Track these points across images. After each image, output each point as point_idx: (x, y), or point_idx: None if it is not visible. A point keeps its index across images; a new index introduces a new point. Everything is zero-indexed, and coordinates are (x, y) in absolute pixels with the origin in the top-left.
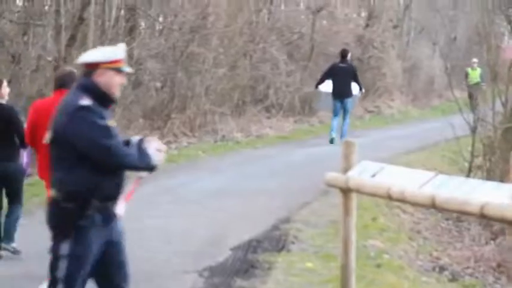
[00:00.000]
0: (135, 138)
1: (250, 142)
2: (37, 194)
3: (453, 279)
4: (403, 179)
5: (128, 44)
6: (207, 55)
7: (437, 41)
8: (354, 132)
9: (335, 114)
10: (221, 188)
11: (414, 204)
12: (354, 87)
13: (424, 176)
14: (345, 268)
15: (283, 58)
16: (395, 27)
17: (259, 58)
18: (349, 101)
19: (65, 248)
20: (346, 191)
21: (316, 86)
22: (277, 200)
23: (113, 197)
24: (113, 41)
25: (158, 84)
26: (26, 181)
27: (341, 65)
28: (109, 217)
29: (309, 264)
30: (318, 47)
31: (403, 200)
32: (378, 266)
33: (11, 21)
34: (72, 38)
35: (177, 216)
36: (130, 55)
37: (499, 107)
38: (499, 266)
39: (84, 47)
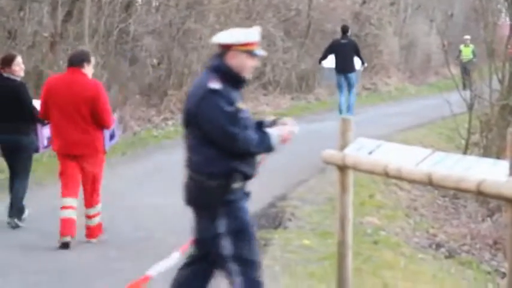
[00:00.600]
0: (268, 120)
1: None
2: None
3: (449, 256)
4: (400, 156)
5: (124, 20)
6: (203, 32)
7: (434, 18)
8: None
9: (340, 90)
10: None
11: (411, 181)
12: (356, 62)
13: (421, 153)
14: (341, 245)
15: (280, 35)
16: (392, 4)
17: None
18: (352, 76)
19: (222, 225)
20: (342, 168)
21: (320, 62)
22: (274, 177)
23: (251, 176)
24: (109, 17)
25: (155, 61)
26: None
27: (342, 41)
28: (247, 195)
29: (306, 241)
30: (314, 23)
31: (400, 177)
32: (375, 242)
33: None
34: (68, 14)
35: (173, 194)
36: (126, 31)
37: (495, 84)
38: (495, 243)
39: (80, 23)
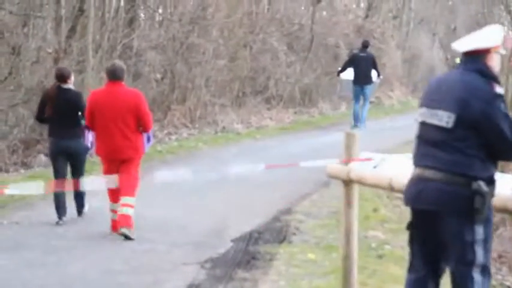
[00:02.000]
0: None
1: (251, 133)
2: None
3: None
4: (405, 170)
5: (128, 35)
6: (207, 46)
7: (437, 32)
8: None
9: (357, 100)
10: (221, 179)
11: None
12: (373, 75)
13: None
14: (346, 259)
15: (283, 49)
16: (394, 17)
17: (259, 49)
18: (368, 88)
19: (479, 232)
20: (347, 182)
21: (338, 74)
22: (278, 191)
23: (494, 182)
24: (112, 32)
25: (158, 76)
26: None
27: (361, 54)
28: None
29: (311, 256)
30: (317, 37)
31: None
32: (380, 256)
33: (10, 12)
34: (72, 30)
35: (177, 208)
36: (130, 46)
37: None
38: (500, 256)
39: (84, 39)
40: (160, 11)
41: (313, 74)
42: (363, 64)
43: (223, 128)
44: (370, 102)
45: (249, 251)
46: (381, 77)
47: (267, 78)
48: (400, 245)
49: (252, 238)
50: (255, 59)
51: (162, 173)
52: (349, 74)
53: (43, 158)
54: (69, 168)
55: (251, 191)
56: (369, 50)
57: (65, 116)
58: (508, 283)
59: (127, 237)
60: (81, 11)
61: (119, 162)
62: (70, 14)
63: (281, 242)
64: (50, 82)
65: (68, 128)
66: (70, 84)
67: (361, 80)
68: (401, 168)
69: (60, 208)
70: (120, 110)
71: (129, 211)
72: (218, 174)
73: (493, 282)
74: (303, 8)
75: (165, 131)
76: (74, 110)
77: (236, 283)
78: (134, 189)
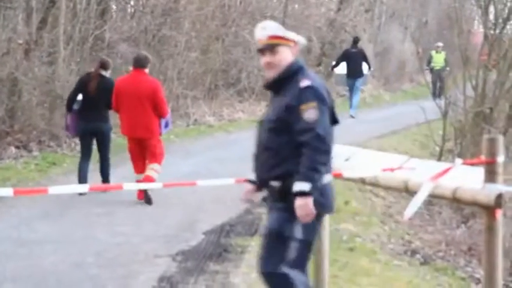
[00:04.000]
0: None
1: (223, 126)
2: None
3: (425, 262)
4: (376, 162)
5: (100, 27)
6: (179, 39)
7: (408, 25)
8: None
9: (351, 91)
10: (193, 172)
11: (387, 188)
12: (365, 68)
13: (396, 160)
14: (318, 252)
15: (255, 42)
16: (366, 11)
17: (232, 42)
18: (360, 81)
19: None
20: None
21: (332, 69)
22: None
23: None
24: (84, 24)
25: (130, 68)
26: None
27: (352, 50)
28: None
29: None
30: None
31: (376, 184)
32: (351, 249)
33: None
34: (43, 21)
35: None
36: (101, 38)
37: (469, 91)
38: (469, 249)
39: (55, 30)
40: (132, 2)
41: None
42: (354, 59)
43: (195, 120)
44: (342, 96)
45: (220, 244)
46: (372, 69)
47: (239, 71)
48: (371, 238)
49: (224, 231)
50: (227, 51)
51: (57, 187)
52: (342, 68)
53: (13, 150)
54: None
55: (223, 184)
56: (359, 45)
57: (100, 101)
58: (477, 275)
59: (148, 202)
60: (53, 2)
61: (139, 141)
62: (41, 5)
63: (253, 234)
64: (21, 73)
65: (101, 112)
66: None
67: (354, 74)
68: (372, 162)
69: (81, 179)
70: (140, 95)
71: (154, 174)
72: (190, 167)
73: (463, 274)
74: (275, 0)
75: None
76: (108, 96)
77: (207, 276)
78: (161, 158)
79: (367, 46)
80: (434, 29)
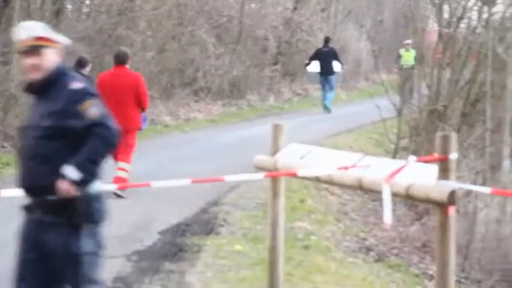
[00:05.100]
0: None
1: (179, 125)
2: None
3: (379, 259)
4: (331, 160)
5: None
6: (135, 38)
7: (364, 24)
8: (281, 115)
9: (323, 88)
10: (149, 171)
11: (342, 185)
12: (336, 66)
13: (351, 157)
14: (273, 250)
15: (211, 41)
16: (323, 10)
17: (188, 41)
18: (332, 78)
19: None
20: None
21: (305, 67)
22: (206, 183)
23: None
24: None
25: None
26: None
27: (324, 49)
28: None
29: (238, 247)
30: (246, 30)
31: (330, 182)
32: (306, 247)
33: None
34: None
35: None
36: None
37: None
38: (423, 246)
39: (9, 30)
40: (87, 2)
41: (242, 66)
42: (326, 57)
43: (152, 120)
44: (298, 95)
45: (176, 243)
46: (344, 67)
47: (196, 70)
48: (325, 236)
49: (180, 230)
50: (183, 51)
51: (10, 190)
52: (315, 66)
53: None
54: None
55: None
56: (331, 44)
57: None
58: (431, 272)
59: (119, 196)
60: (6, 2)
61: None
62: None
63: (208, 233)
64: None
65: None
66: (89, 71)
67: (326, 71)
68: (327, 159)
69: None
70: (123, 88)
71: (124, 174)
72: (146, 167)
73: (416, 271)
74: (231, 0)
75: None
76: None
77: (163, 275)
78: (130, 156)
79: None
80: (390, 28)
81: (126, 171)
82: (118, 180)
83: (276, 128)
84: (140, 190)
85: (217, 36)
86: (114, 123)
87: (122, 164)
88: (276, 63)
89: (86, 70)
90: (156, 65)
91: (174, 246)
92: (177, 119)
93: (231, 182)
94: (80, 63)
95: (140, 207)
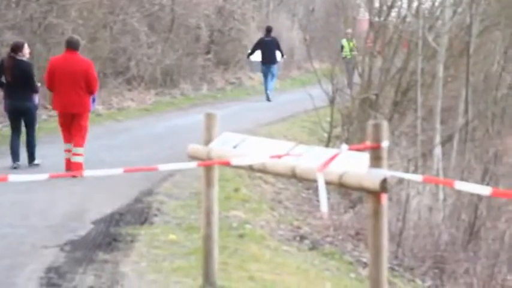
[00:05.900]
0: None
1: (112, 115)
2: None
3: (313, 247)
4: (264, 149)
5: None
6: (65, 26)
7: (296, 13)
8: (215, 104)
9: (265, 77)
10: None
11: (275, 174)
12: (278, 55)
13: (284, 146)
14: (207, 239)
15: (143, 30)
16: None
17: (120, 30)
18: (274, 67)
19: None
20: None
21: (248, 56)
22: (140, 172)
23: None
24: None
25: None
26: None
27: (266, 38)
28: None
29: (172, 236)
30: (178, 18)
31: (264, 171)
32: (240, 236)
33: None
34: None
35: (35, 191)
36: None
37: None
38: (357, 233)
39: None
40: None
41: (175, 54)
42: (268, 47)
43: None
44: (232, 83)
45: (110, 233)
46: (285, 56)
47: (128, 59)
48: (260, 225)
49: (113, 220)
50: (115, 39)
51: None
52: (257, 56)
53: None
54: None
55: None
56: (272, 34)
57: (18, 82)
58: (364, 259)
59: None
60: None
61: (70, 116)
62: None
63: (142, 223)
64: None
65: (21, 92)
66: (27, 55)
67: (268, 60)
68: (261, 148)
69: (14, 154)
70: (74, 73)
71: (79, 159)
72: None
73: (350, 259)
74: None
75: None
76: (26, 78)
77: (96, 265)
78: (83, 139)
79: (255, 34)
80: (322, 17)
81: (82, 155)
82: (75, 166)
83: (209, 117)
84: (73, 179)
85: (149, 24)
86: None
87: (77, 149)
88: (208, 52)
89: (23, 54)
90: (88, 53)
91: (108, 236)
92: (110, 108)
93: (164, 171)
94: (15, 48)
95: (73, 196)
